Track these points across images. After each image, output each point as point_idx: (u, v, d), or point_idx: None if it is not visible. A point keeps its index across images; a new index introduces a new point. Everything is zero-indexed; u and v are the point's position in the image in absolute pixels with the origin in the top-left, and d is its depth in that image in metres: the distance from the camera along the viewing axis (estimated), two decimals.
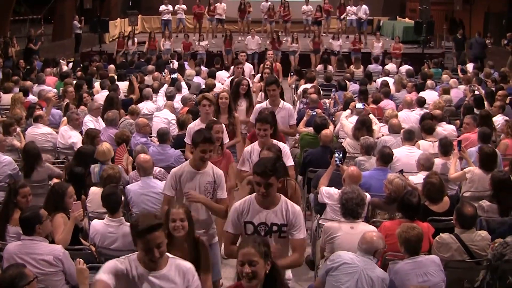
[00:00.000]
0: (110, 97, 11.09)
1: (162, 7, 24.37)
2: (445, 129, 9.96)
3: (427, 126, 9.28)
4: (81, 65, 18.41)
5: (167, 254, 4.18)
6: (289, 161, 7.00)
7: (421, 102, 11.61)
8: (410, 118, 10.80)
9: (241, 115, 9.60)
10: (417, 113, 10.90)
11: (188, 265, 4.27)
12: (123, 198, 6.60)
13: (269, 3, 24.64)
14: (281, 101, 9.09)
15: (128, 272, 4.05)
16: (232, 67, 12.93)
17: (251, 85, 10.91)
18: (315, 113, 9.98)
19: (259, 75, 13.68)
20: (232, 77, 12.69)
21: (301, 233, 5.07)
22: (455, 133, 9.98)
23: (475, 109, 10.88)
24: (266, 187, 4.83)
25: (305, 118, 9.94)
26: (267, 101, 9.04)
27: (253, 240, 4.12)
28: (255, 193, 5.02)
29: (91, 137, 8.65)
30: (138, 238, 4.00)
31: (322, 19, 24.83)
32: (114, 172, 7.04)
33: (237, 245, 4.41)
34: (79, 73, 16.27)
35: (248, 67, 14.36)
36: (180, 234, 5.03)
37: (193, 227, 5.18)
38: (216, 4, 24.35)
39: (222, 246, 6.21)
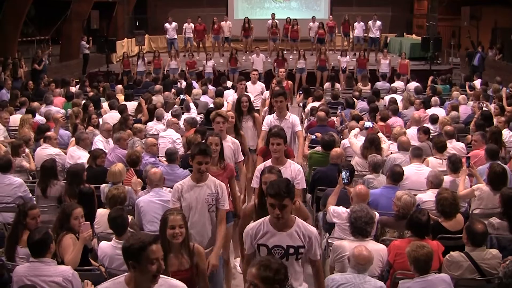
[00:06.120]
0: (122, 118, 11.13)
1: (167, 25, 24.60)
2: (454, 146, 9.88)
3: (439, 144, 9.15)
4: (93, 84, 18.55)
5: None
6: (301, 184, 6.95)
7: (433, 120, 11.59)
8: None
9: (246, 131, 9.79)
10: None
11: (180, 285, 4.32)
12: (130, 218, 6.62)
13: (271, 20, 24.63)
14: (288, 112, 9.30)
15: None
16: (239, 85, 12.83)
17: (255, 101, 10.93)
18: (315, 137, 9.99)
19: (267, 92, 13.69)
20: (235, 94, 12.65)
21: (319, 253, 5.12)
22: (464, 150, 9.89)
23: None
24: (281, 208, 4.80)
25: (306, 143, 9.92)
26: (275, 113, 9.20)
27: (273, 268, 3.91)
28: (269, 216, 4.99)
29: (94, 157, 8.73)
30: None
31: (325, 37, 24.76)
32: (119, 193, 7.06)
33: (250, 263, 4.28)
34: (91, 93, 16.34)
35: (260, 85, 14.23)
36: (179, 240, 5.16)
37: (188, 233, 5.33)
38: (221, 23, 24.52)
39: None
